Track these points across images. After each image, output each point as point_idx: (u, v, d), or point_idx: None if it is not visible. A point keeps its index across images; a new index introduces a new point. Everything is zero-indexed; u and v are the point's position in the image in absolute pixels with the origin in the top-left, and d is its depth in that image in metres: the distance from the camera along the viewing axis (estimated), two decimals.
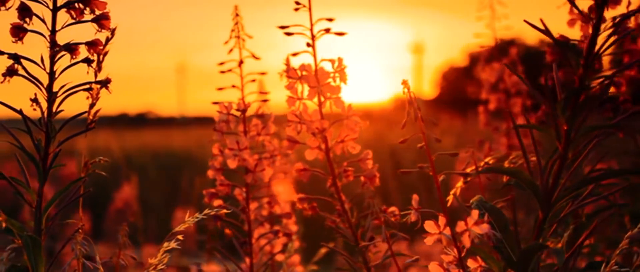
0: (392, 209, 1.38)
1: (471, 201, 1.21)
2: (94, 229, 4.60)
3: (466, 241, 1.05)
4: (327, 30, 1.34)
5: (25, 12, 1.12)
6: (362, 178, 1.38)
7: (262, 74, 1.49)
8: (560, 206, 1.12)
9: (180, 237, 1.19)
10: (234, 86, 1.47)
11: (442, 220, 1.12)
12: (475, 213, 1.05)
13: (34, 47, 1.21)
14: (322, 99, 1.34)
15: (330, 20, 1.36)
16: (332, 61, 1.33)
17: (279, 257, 1.58)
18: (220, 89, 1.49)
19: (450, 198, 1.34)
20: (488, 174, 1.38)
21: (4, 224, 0.91)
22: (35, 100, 1.20)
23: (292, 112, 1.34)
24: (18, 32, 1.16)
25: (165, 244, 1.20)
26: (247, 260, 1.49)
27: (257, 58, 1.49)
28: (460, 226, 1.06)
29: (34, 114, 1.22)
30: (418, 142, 1.14)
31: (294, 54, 1.36)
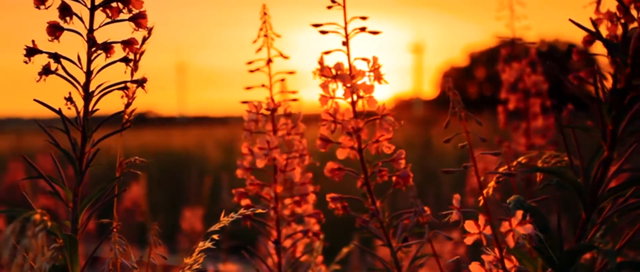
0: (425, 208, 1.37)
1: (508, 201, 1.21)
2: (101, 228, 4.59)
3: (510, 242, 1.05)
4: (363, 29, 1.33)
5: (65, 11, 1.12)
6: (394, 178, 1.37)
7: (291, 73, 1.48)
8: (603, 206, 1.11)
9: (216, 237, 1.19)
10: (263, 86, 1.47)
11: (481, 220, 1.12)
12: (519, 213, 1.05)
13: (64, 46, 1.21)
14: (355, 98, 1.33)
15: (364, 18, 1.35)
16: (367, 60, 1.32)
17: (302, 257, 1.58)
18: (248, 88, 1.49)
19: (482, 198, 1.34)
20: (521, 174, 1.37)
21: (49, 224, 0.90)
22: (69, 99, 1.20)
23: (326, 111, 1.33)
24: (54, 30, 1.16)
25: (201, 243, 1.19)
26: (276, 259, 1.49)
27: (285, 57, 1.48)
28: (505, 226, 1.05)
29: (67, 112, 1.21)
30: (458, 141, 1.14)
31: (327, 52, 1.36)
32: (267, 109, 1.44)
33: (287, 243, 1.55)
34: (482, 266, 1.11)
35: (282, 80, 1.47)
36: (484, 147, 3.14)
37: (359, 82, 1.31)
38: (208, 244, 1.18)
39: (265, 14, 1.48)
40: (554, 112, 2.17)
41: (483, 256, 1.12)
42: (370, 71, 1.32)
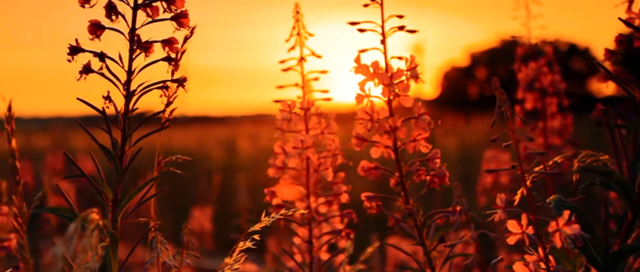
0: (457, 208, 1.37)
1: (548, 200, 1.21)
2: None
3: (557, 242, 1.05)
4: (401, 28, 1.33)
5: (111, 9, 1.11)
6: (427, 178, 1.37)
7: (323, 72, 1.48)
8: None
9: (257, 237, 1.18)
10: (296, 85, 1.46)
11: (524, 219, 1.12)
12: (566, 213, 1.05)
13: (98, 45, 1.20)
14: (391, 96, 1.33)
15: (400, 17, 1.35)
16: (405, 59, 1.32)
17: (324, 256, 1.57)
18: (280, 87, 1.48)
19: (517, 197, 1.34)
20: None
21: (100, 223, 0.90)
22: (108, 98, 1.19)
23: (363, 109, 1.33)
24: (96, 29, 1.15)
25: (241, 243, 1.19)
26: (308, 259, 1.48)
27: (318, 56, 1.48)
28: (552, 226, 1.05)
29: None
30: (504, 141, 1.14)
31: (363, 51, 1.36)
32: (301, 108, 1.44)
33: (322, 241, 1.55)
34: (527, 266, 1.11)
35: (317, 79, 1.47)
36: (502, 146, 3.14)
37: (397, 81, 1.31)
38: (248, 244, 1.18)
39: (297, 12, 1.48)
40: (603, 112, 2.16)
41: (526, 256, 1.12)
42: (407, 70, 1.32)
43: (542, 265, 1.09)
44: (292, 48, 1.47)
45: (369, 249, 1.89)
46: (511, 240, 1.10)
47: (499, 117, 1.05)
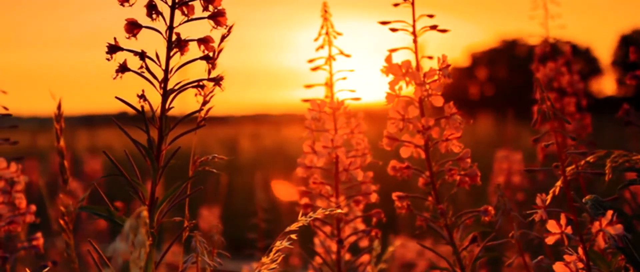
0: (488, 208, 1.37)
1: (584, 200, 1.21)
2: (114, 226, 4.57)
3: (601, 242, 1.05)
4: (433, 27, 1.33)
5: (152, 8, 1.11)
6: (457, 178, 1.37)
7: (351, 71, 1.48)
8: None
9: (293, 236, 1.18)
10: (325, 84, 1.46)
11: (563, 219, 1.12)
12: (609, 213, 1.05)
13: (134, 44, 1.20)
14: (424, 96, 1.33)
15: (431, 16, 1.35)
16: (438, 59, 1.32)
17: (347, 256, 1.57)
18: (308, 86, 1.48)
19: (549, 197, 1.34)
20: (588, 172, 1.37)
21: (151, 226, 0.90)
22: (142, 97, 1.19)
23: (394, 109, 1.33)
24: (133, 28, 1.15)
25: (278, 243, 1.19)
26: (336, 258, 1.48)
27: (347, 55, 1.48)
28: (595, 226, 1.05)
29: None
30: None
31: (393, 50, 1.36)
32: (330, 108, 1.44)
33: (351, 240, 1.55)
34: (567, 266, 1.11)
35: (345, 78, 1.47)
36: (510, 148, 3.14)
37: (430, 80, 1.31)
38: (285, 243, 1.18)
39: (325, 12, 1.47)
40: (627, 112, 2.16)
41: (565, 256, 1.12)
42: (439, 69, 1.32)
43: (581, 265, 1.09)
44: (321, 47, 1.47)
45: (390, 249, 1.89)
46: (550, 240, 1.10)
47: (541, 116, 1.05)
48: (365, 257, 1.59)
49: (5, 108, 1.53)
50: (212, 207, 4.02)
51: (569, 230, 1.11)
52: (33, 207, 1.54)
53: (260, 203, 2.60)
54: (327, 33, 1.48)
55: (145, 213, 0.86)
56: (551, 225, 1.11)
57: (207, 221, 4.01)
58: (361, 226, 1.56)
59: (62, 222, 0.94)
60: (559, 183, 1.40)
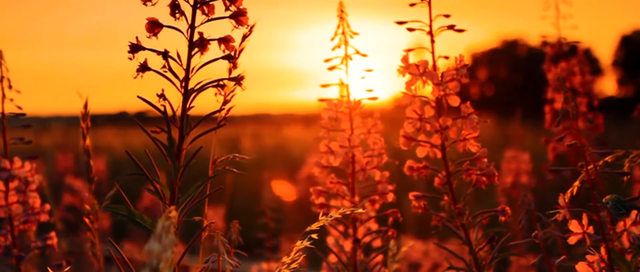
0: (506, 208, 1.37)
1: (604, 200, 1.21)
2: (119, 226, 4.57)
3: (626, 242, 1.05)
4: (450, 27, 1.33)
5: (176, 7, 1.11)
6: (473, 177, 1.37)
7: (369, 71, 1.48)
8: None
9: (315, 236, 1.18)
10: (342, 84, 1.46)
11: (585, 219, 1.12)
12: (634, 213, 1.05)
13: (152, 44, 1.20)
14: (441, 96, 1.33)
15: (447, 16, 1.35)
16: (455, 58, 1.32)
17: (361, 255, 1.57)
18: (324, 85, 1.48)
19: (566, 197, 1.33)
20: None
21: (175, 225, 0.90)
22: (162, 96, 1.19)
23: (412, 108, 1.33)
24: (154, 27, 1.15)
25: (299, 242, 1.19)
26: (353, 258, 1.48)
27: (364, 55, 1.48)
28: (619, 226, 1.05)
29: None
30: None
31: (410, 50, 1.36)
32: (347, 107, 1.44)
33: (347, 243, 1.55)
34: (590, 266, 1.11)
35: (363, 78, 1.47)
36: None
37: (447, 80, 1.31)
38: (306, 243, 1.18)
39: (342, 11, 1.47)
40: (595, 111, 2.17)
41: (588, 256, 1.12)
42: (456, 68, 1.32)
43: (603, 264, 1.09)
44: (338, 46, 1.47)
45: (404, 248, 1.89)
46: (572, 240, 1.10)
47: (564, 115, 1.05)
48: (380, 257, 1.59)
49: (19, 107, 1.53)
50: (217, 207, 4.02)
51: (590, 230, 1.11)
52: (47, 207, 1.54)
53: (268, 203, 2.60)
54: (343, 33, 1.47)
55: (175, 213, 0.86)
56: (573, 225, 1.11)
57: (211, 221, 4.01)
58: (374, 226, 1.56)
59: (87, 220, 0.93)
60: (576, 183, 1.40)
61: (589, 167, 1.11)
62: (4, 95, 1.51)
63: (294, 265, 1.17)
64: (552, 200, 1.37)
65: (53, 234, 1.57)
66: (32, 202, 1.52)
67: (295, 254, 1.18)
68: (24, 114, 1.52)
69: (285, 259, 1.18)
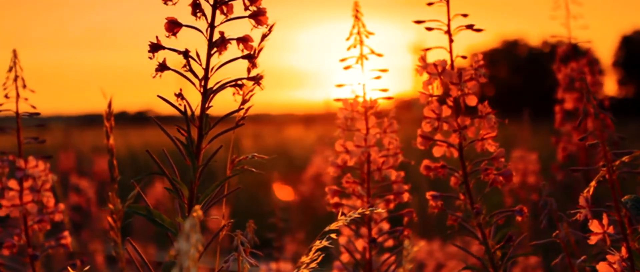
0: (523, 208, 1.37)
1: (623, 199, 1.20)
2: (124, 226, 4.56)
3: None
4: (469, 27, 1.33)
5: (197, 7, 1.11)
6: (488, 177, 1.37)
7: (384, 71, 1.48)
8: None
9: (334, 236, 1.18)
10: (359, 83, 1.46)
11: (605, 219, 1.12)
12: None
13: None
14: (459, 95, 1.33)
15: (465, 15, 1.35)
16: (473, 58, 1.32)
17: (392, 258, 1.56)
18: (339, 85, 1.48)
19: (584, 196, 1.33)
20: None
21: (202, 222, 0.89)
22: (180, 96, 1.19)
23: (430, 108, 1.32)
24: (173, 27, 1.15)
25: (318, 242, 1.19)
26: (368, 257, 1.48)
27: (379, 55, 1.47)
28: None
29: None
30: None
31: (427, 49, 1.35)
32: (363, 107, 1.44)
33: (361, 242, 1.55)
34: (610, 266, 1.10)
35: (379, 78, 1.46)
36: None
37: (466, 80, 1.31)
38: (325, 243, 1.17)
39: (357, 11, 1.47)
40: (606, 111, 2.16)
41: (608, 256, 1.12)
42: (475, 68, 1.32)
43: (624, 264, 1.09)
44: (354, 46, 1.47)
45: (415, 248, 1.89)
46: (593, 240, 1.10)
47: (585, 115, 1.05)
48: (392, 257, 1.58)
49: (33, 107, 1.53)
50: (219, 207, 4.01)
51: (611, 230, 1.11)
52: (61, 206, 1.54)
53: (277, 203, 2.60)
54: (358, 32, 1.47)
55: (200, 212, 0.85)
56: (594, 225, 1.11)
57: (216, 222, 4.01)
58: (386, 226, 1.56)
59: (110, 220, 0.93)
60: (593, 183, 1.40)
61: (610, 167, 1.10)
62: (18, 95, 1.51)
63: (313, 265, 1.17)
64: (561, 200, 1.38)
65: (66, 233, 1.57)
66: (46, 201, 1.52)
67: (314, 253, 1.18)
68: (38, 114, 1.52)
69: (304, 259, 1.18)
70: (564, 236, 1.04)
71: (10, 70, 1.52)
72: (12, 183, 1.49)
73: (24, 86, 1.52)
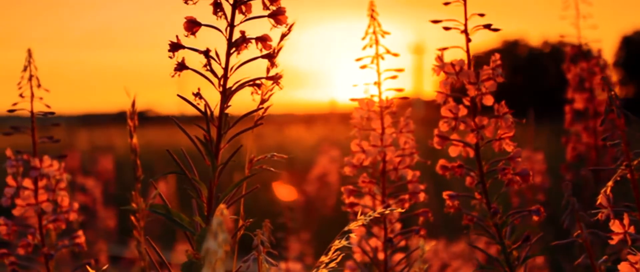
0: (541, 208, 1.37)
1: None
2: (122, 226, 4.56)
3: None
4: (487, 26, 1.33)
5: (218, 6, 1.11)
6: (506, 177, 1.36)
7: (400, 70, 1.48)
8: None
9: (354, 235, 1.18)
10: (375, 83, 1.46)
11: (626, 219, 1.12)
12: None
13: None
14: (476, 94, 1.32)
15: (482, 15, 1.35)
16: (492, 57, 1.31)
17: (381, 255, 1.57)
18: (355, 85, 1.48)
19: (600, 197, 1.33)
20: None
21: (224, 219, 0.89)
22: (198, 95, 1.19)
23: (447, 108, 1.32)
24: (192, 26, 1.15)
25: (337, 242, 1.19)
26: (383, 257, 1.48)
27: (395, 55, 1.47)
28: None
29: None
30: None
31: (444, 49, 1.35)
32: (380, 107, 1.44)
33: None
34: (632, 266, 1.10)
35: (395, 77, 1.46)
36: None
37: (484, 79, 1.31)
38: (344, 242, 1.17)
39: (373, 10, 1.47)
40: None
41: (629, 256, 1.11)
42: (492, 68, 1.32)
43: None
44: (370, 46, 1.47)
45: (427, 247, 1.89)
46: (614, 240, 1.10)
47: (607, 113, 1.05)
48: (400, 257, 1.58)
49: (48, 106, 1.53)
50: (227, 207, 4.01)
51: (632, 230, 1.11)
52: (75, 205, 1.54)
53: (287, 203, 2.60)
54: (374, 32, 1.47)
55: (226, 211, 0.85)
56: (615, 225, 1.11)
57: (232, 221, 4.00)
58: (398, 226, 1.56)
59: (133, 219, 0.93)
60: (610, 183, 1.39)
61: (632, 166, 1.10)
62: (33, 94, 1.51)
63: (332, 264, 1.17)
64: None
65: (80, 232, 1.56)
66: (61, 200, 1.52)
67: (333, 253, 1.18)
68: (53, 113, 1.52)
69: (323, 258, 1.17)
70: (586, 236, 1.04)
71: (24, 69, 1.51)
72: (27, 182, 1.49)
73: (39, 85, 1.52)
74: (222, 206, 0.84)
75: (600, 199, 1.11)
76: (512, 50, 21.98)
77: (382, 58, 1.46)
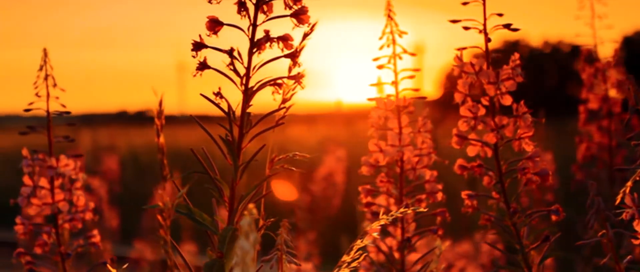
0: (560, 208, 1.37)
1: None
2: (129, 226, 4.56)
3: None
4: (506, 26, 1.33)
5: (242, 5, 1.11)
6: (526, 177, 1.36)
7: (417, 70, 1.47)
8: None
9: (376, 235, 1.18)
10: (393, 83, 1.46)
11: None
12: None
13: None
14: (496, 95, 1.32)
15: (500, 15, 1.34)
16: (511, 57, 1.31)
17: (396, 255, 1.57)
18: (373, 85, 1.48)
19: (619, 197, 1.33)
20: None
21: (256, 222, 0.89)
22: (219, 94, 1.19)
23: (466, 107, 1.32)
24: (214, 25, 1.15)
25: (358, 241, 1.18)
26: (399, 257, 1.48)
27: (412, 54, 1.47)
28: None
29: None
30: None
31: (463, 48, 1.35)
32: (398, 106, 1.44)
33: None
34: None
35: (412, 77, 1.46)
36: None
37: (503, 79, 1.31)
38: (366, 242, 1.17)
39: (390, 10, 1.47)
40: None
41: None
42: (512, 68, 1.32)
43: None
44: (387, 46, 1.46)
45: (443, 247, 1.89)
46: (638, 240, 1.10)
47: (633, 113, 1.04)
48: (414, 256, 1.58)
49: (63, 105, 1.53)
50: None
51: None
52: (91, 204, 1.53)
53: (298, 203, 2.60)
54: (391, 31, 1.47)
55: (255, 211, 0.85)
56: (638, 224, 1.11)
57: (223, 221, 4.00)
58: (413, 225, 1.56)
59: (160, 218, 0.93)
60: (629, 183, 1.39)
61: None
62: (48, 94, 1.51)
63: (354, 264, 1.17)
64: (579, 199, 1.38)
65: (96, 232, 1.56)
66: (77, 200, 1.51)
67: (355, 253, 1.17)
68: (68, 112, 1.52)
69: (345, 258, 1.17)
70: (611, 236, 1.04)
71: (40, 69, 1.51)
72: (43, 182, 1.49)
73: (54, 85, 1.52)
74: (250, 205, 0.83)
75: (625, 199, 1.11)
76: (512, 51, 21.95)
77: (400, 58, 1.46)
